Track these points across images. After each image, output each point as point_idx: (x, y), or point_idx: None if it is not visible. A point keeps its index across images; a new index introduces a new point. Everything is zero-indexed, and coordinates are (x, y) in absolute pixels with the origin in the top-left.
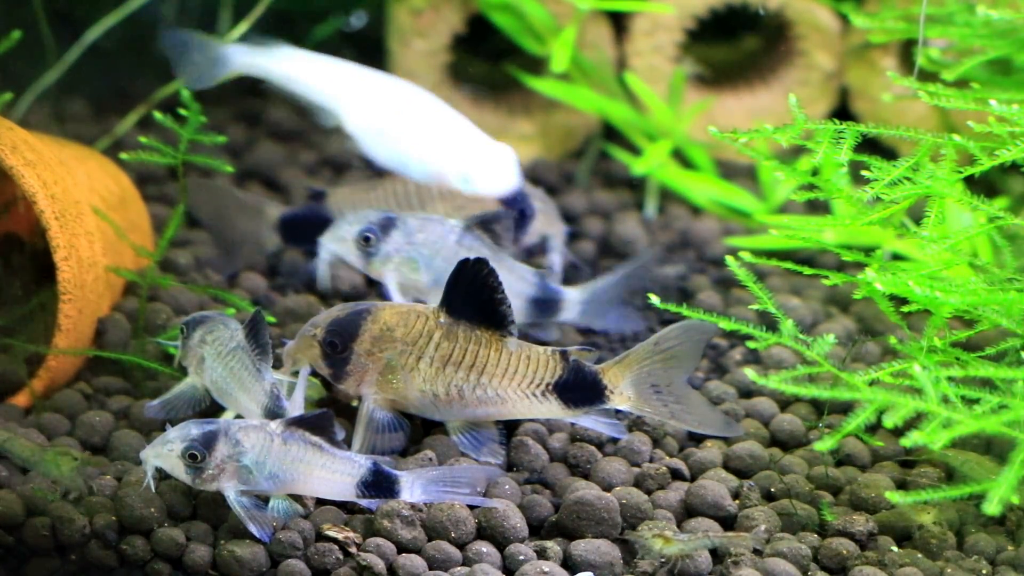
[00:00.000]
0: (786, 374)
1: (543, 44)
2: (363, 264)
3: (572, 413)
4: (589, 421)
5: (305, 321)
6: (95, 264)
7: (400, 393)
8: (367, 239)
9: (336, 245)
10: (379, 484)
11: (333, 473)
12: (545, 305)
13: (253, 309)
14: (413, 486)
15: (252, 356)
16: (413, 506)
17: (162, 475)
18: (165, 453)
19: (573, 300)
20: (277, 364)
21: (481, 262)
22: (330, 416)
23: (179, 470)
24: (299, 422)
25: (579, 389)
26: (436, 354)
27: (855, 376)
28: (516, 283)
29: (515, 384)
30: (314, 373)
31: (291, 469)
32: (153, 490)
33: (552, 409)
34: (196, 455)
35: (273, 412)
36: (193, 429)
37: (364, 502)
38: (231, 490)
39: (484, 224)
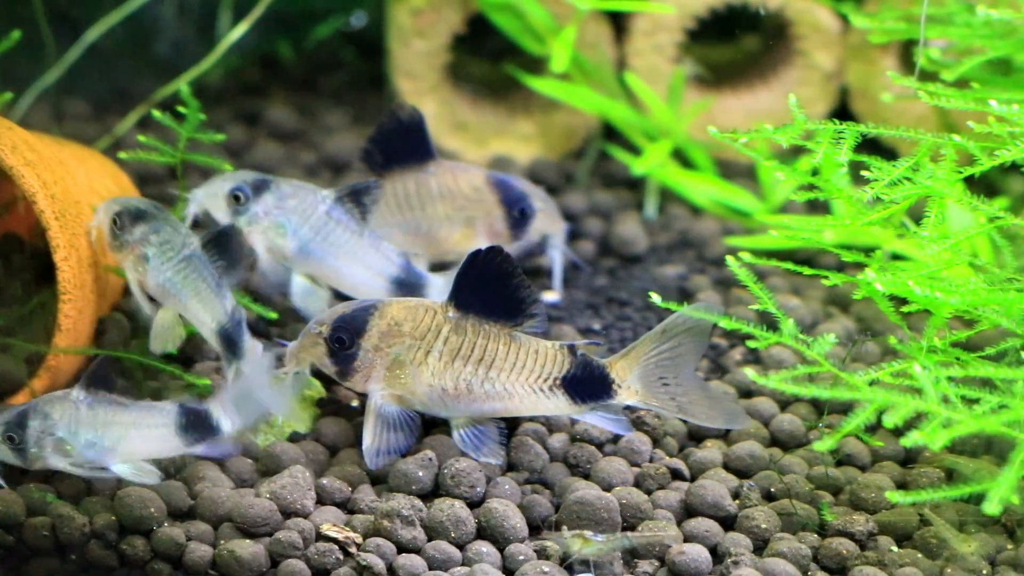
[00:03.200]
0: (786, 374)
1: (543, 44)
2: (231, 222)
3: (579, 409)
4: (595, 418)
5: (305, 321)
6: (95, 264)
7: (408, 388)
8: (237, 198)
9: (208, 200)
10: (196, 423)
11: (148, 428)
12: (408, 288)
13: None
14: (226, 411)
15: (211, 268)
16: (413, 505)
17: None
18: None
19: (437, 285)
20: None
21: (494, 251)
22: (106, 360)
23: (7, 455)
24: (90, 381)
25: (587, 383)
26: (444, 348)
27: (855, 376)
28: (380, 262)
29: (523, 378)
30: (316, 372)
31: (107, 433)
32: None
33: (559, 404)
34: (13, 437)
35: (228, 335)
36: (4, 414)
37: (199, 450)
38: (61, 463)
39: (354, 196)
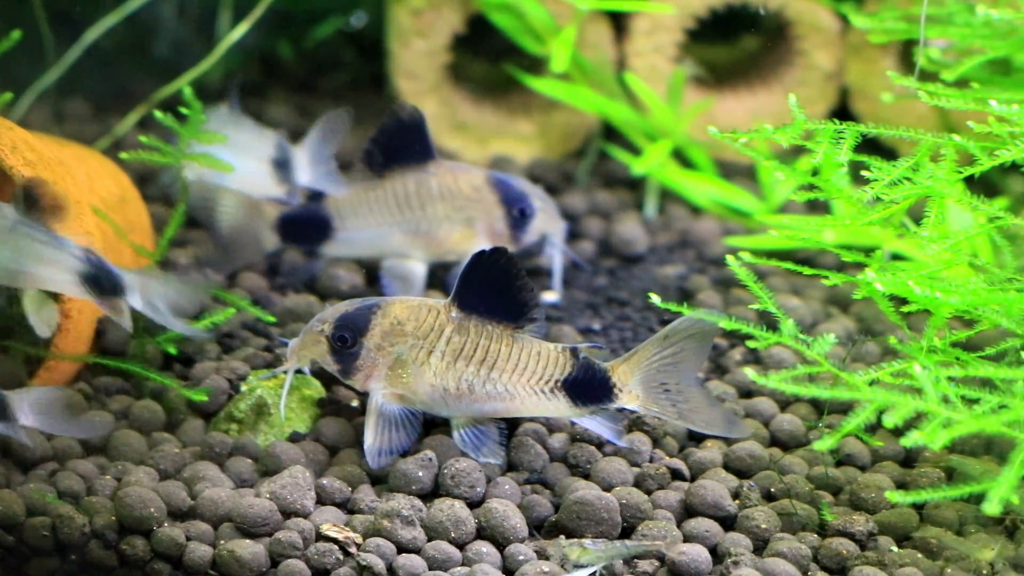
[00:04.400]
0: (786, 374)
1: (543, 44)
2: None
3: (579, 412)
4: (591, 423)
5: (305, 321)
6: None
7: (410, 388)
8: None
9: None
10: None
11: None
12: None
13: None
14: (27, 404)
15: (39, 226)
16: (413, 505)
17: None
18: None
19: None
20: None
21: (498, 252)
22: None
23: None
24: None
25: (588, 386)
26: (447, 348)
27: (855, 376)
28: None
29: (524, 380)
30: (315, 372)
31: None
32: None
33: (560, 407)
34: None
35: (96, 276)
36: None
37: None
38: None
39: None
